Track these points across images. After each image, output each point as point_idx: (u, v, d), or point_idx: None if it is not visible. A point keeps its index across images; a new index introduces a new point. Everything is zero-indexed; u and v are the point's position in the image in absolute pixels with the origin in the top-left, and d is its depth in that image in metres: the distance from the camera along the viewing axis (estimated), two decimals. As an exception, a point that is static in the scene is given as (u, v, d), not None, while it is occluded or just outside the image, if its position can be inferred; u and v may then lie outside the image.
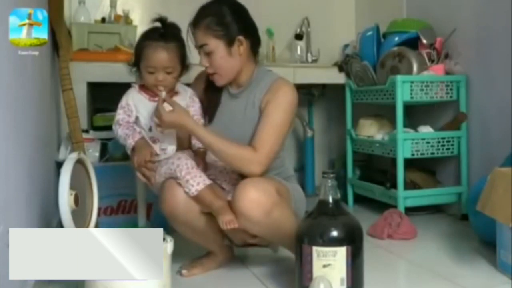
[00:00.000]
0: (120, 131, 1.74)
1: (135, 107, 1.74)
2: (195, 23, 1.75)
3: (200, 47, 1.75)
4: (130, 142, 1.71)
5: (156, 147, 1.70)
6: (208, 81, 1.85)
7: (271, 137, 1.70)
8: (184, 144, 1.76)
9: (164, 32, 1.72)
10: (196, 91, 1.86)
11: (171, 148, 1.71)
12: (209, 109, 1.84)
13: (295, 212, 1.71)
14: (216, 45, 1.72)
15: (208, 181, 1.65)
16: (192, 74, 1.87)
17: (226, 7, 1.75)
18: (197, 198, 1.63)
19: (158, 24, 1.74)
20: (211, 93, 1.86)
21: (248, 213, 1.57)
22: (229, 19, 1.73)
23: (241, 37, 1.74)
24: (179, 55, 1.73)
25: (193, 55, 1.81)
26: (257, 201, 1.57)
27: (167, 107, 1.64)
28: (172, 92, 1.75)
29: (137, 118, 1.73)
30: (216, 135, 1.66)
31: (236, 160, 1.67)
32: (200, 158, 1.75)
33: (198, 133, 1.66)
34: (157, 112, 1.63)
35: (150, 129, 1.71)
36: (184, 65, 1.75)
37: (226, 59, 1.74)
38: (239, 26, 1.74)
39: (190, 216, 1.67)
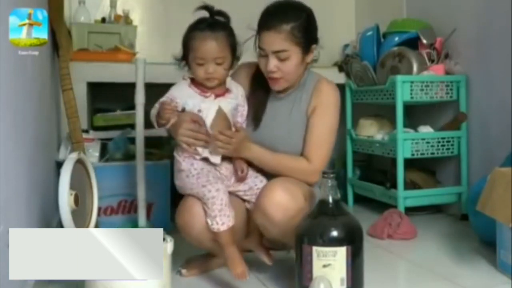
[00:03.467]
0: (153, 109, 1.66)
1: (184, 102, 1.65)
2: (274, 26, 1.64)
3: (274, 52, 1.66)
4: (153, 113, 1.64)
5: (203, 151, 1.63)
6: (254, 79, 1.78)
7: (322, 145, 1.72)
8: None
9: (211, 21, 1.65)
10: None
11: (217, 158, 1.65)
12: (256, 110, 1.79)
13: None
14: (294, 52, 1.67)
15: (232, 223, 1.59)
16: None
17: (306, 15, 1.70)
18: (215, 233, 1.59)
19: (204, 14, 1.66)
20: (258, 93, 1.79)
21: (272, 215, 1.57)
22: (308, 27, 1.69)
23: (314, 46, 1.73)
24: (229, 45, 1.65)
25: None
26: (284, 205, 1.56)
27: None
28: (224, 89, 1.69)
29: (183, 109, 1.65)
30: (269, 152, 1.69)
31: (293, 174, 1.69)
32: (243, 162, 1.69)
33: (254, 158, 1.67)
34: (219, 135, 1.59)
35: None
36: (234, 56, 1.68)
37: (298, 67, 1.70)
38: (315, 35, 1.73)
39: (202, 237, 1.65)
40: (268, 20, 1.67)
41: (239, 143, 1.63)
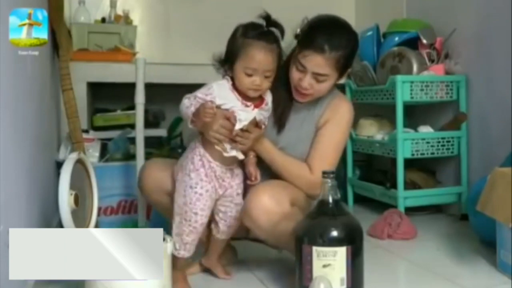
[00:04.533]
0: (186, 101, 1.58)
1: (224, 105, 1.57)
2: (323, 51, 1.60)
3: (314, 73, 1.63)
4: (191, 110, 1.55)
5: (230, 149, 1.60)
6: (277, 82, 1.68)
7: (327, 158, 1.71)
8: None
9: (267, 31, 1.58)
10: None
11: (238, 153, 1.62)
12: (280, 115, 1.75)
13: None
14: (333, 76, 1.66)
15: (190, 254, 1.67)
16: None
17: (354, 42, 1.69)
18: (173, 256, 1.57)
19: (259, 20, 1.59)
20: (280, 96, 1.72)
21: (255, 219, 1.58)
22: (352, 55, 1.68)
23: (350, 69, 1.73)
24: (279, 58, 1.60)
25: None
26: (266, 210, 1.56)
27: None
28: (262, 99, 1.63)
29: (218, 106, 1.56)
30: (278, 152, 1.70)
31: (293, 179, 1.69)
32: (257, 169, 1.67)
33: (263, 152, 1.68)
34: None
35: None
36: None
37: (329, 87, 1.69)
38: (352, 59, 1.71)
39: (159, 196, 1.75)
40: (319, 42, 1.62)
41: (256, 139, 1.63)
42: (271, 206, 1.56)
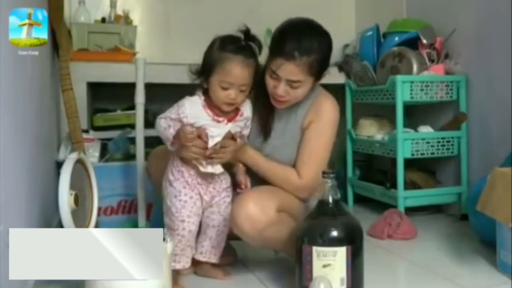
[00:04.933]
0: (163, 122, 1.60)
1: (196, 123, 1.58)
2: (294, 58, 1.57)
3: (288, 80, 1.61)
4: (171, 132, 1.56)
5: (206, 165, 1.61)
6: (256, 90, 1.68)
7: (314, 161, 1.70)
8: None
9: (245, 45, 1.57)
10: None
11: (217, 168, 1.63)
12: (264, 124, 1.75)
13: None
14: (308, 82, 1.63)
15: (187, 265, 1.67)
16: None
17: (326, 46, 1.64)
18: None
19: (237, 34, 1.58)
20: (262, 107, 1.73)
21: (240, 226, 1.59)
22: (325, 59, 1.64)
23: (326, 73, 1.68)
24: (255, 72, 1.59)
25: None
26: (251, 218, 1.57)
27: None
28: (236, 112, 1.63)
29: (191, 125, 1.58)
30: (264, 159, 1.71)
31: (282, 185, 1.70)
32: (247, 177, 1.69)
33: (248, 161, 1.69)
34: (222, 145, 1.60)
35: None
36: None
37: (306, 92, 1.66)
38: (328, 63, 1.67)
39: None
40: (289, 49, 1.58)
41: (236, 150, 1.64)
42: (255, 213, 1.57)
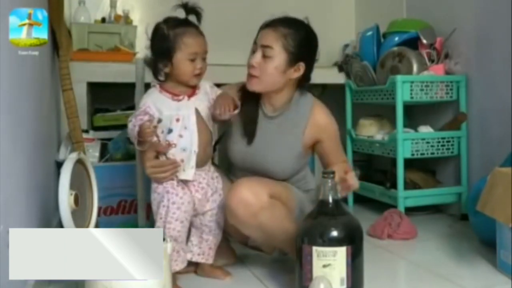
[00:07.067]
0: (131, 123, 1.62)
1: (158, 110, 1.63)
2: (273, 25, 1.71)
3: (262, 46, 1.69)
4: (137, 130, 1.58)
5: (176, 150, 1.63)
6: (242, 96, 1.78)
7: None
8: (207, 150, 1.71)
9: (187, 20, 1.66)
10: None
11: (193, 149, 1.64)
12: (246, 125, 1.79)
13: (295, 221, 1.69)
14: (279, 54, 1.68)
15: (180, 267, 1.68)
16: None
17: (305, 32, 1.73)
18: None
19: (174, 14, 1.66)
20: (248, 109, 1.78)
21: (235, 212, 1.62)
22: (303, 43, 1.71)
23: (302, 64, 1.72)
24: None
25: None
26: (245, 202, 1.60)
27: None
28: (193, 89, 1.69)
29: (159, 120, 1.61)
30: None
31: None
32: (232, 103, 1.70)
33: None
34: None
35: (169, 132, 1.63)
36: None
37: (277, 73, 1.69)
38: (306, 54, 1.73)
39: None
40: (270, 21, 1.73)
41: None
42: (248, 197, 1.60)
